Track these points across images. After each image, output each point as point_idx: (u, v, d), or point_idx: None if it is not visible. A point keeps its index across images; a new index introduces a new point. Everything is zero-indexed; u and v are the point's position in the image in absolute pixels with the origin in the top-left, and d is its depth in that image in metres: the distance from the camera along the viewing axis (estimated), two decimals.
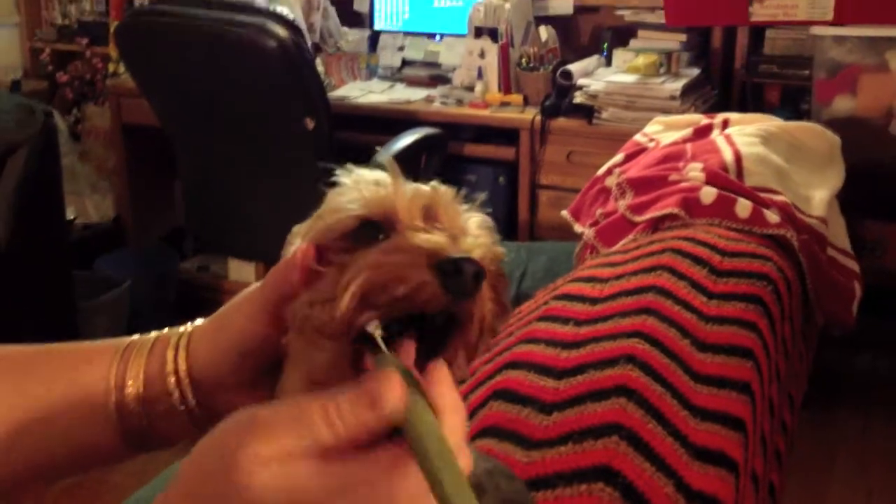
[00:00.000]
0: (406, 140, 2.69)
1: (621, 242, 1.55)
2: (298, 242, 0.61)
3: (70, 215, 3.32)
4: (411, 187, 0.57)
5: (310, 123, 2.52)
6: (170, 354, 0.62)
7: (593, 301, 1.22)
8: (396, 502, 0.46)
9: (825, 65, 2.61)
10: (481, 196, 0.60)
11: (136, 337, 0.65)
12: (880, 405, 2.76)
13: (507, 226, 3.04)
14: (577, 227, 1.82)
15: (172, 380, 0.62)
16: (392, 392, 0.46)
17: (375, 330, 0.50)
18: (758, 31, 2.94)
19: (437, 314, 0.51)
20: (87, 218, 3.53)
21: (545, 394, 0.99)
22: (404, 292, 0.49)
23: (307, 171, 2.54)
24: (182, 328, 0.64)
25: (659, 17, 2.95)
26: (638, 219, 1.57)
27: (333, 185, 0.59)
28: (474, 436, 0.96)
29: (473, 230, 0.57)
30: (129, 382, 0.62)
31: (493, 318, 0.54)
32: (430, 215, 0.55)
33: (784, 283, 1.38)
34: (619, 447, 0.89)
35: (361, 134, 3.00)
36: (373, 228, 0.54)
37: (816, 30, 2.59)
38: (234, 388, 0.61)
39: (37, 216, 2.46)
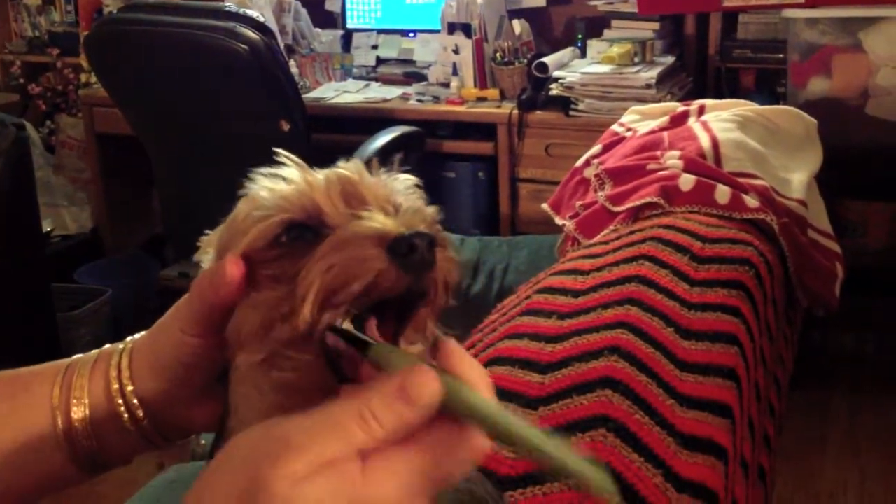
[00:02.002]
0: (383, 139, 2.68)
1: (602, 233, 1.54)
2: (211, 252, 0.59)
3: (47, 227, 3.29)
4: (322, 177, 0.55)
5: (285, 126, 2.50)
6: (112, 373, 0.60)
7: (576, 293, 1.21)
8: (448, 479, 0.45)
9: (799, 47, 2.61)
10: (397, 157, 0.59)
11: (76, 357, 0.63)
12: (868, 384, 2.77)
13: (489, 220, 3.04)
14: (558, 220, 1.81)
15: (118, 398, 0.60)
16: (426, 382, 0.44)
17: (344, 324, 0.49)
18: (731, 17, 2.94)
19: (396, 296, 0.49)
20: (65, 230, 3.50)
21: (530, 389, 0.98)
22: (364, 285, 0.48)
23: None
24: (122, 344, 0.63)
25: (632, 7, 2.95)
26: (617, 209, 1.56)
27: (244, 193, 0.57)
28: None
29: (401, 197, 0.55)
30: (74, 404, 0.60)
31: (450, 276, 0.52)
32: (351, 197, 0.54)
33: (766, 267, 1.37)
34: (605, 439, 0.88)
35: (338, 135, 2.98)
36: (299, 228, 0.53)
37: (789, 12, 2.59)
38: (183, 400, 0.60)
39: (12, 230, 2.43)
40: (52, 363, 0.63)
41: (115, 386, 0.60)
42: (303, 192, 0.54)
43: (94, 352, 0.63)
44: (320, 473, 0.42)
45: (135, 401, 0.60)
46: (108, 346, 0.63)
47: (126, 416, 0.60)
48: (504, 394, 0.99)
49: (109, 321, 2.99)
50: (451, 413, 0.45)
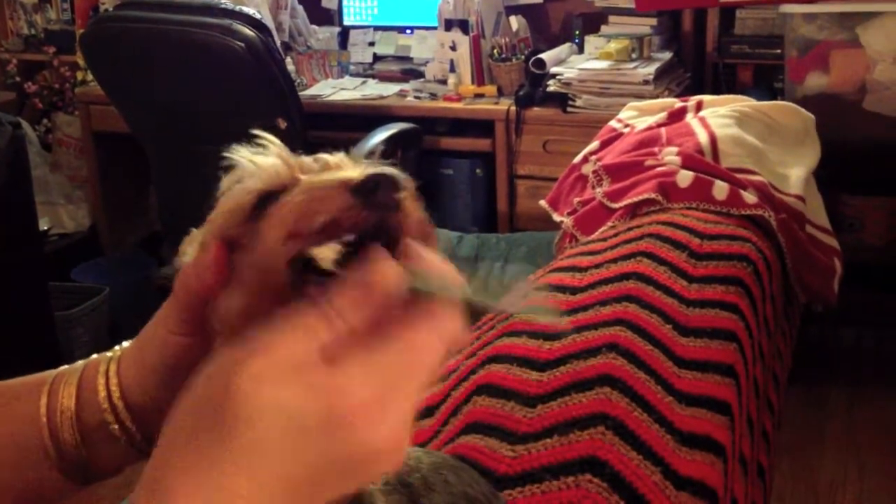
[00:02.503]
0: (380, 136, 2.67)
1: (600, 230, 1.54)
2: (194, 248, 0.58)
3: (44, 226, 3.28)
4: (300, 158, 0.55)
5: (282, 123, 2.50)
6: (100, 381, 0.59)
7: (574, 290, 1.21)
8: (423, 364, 0.44)
9: (796, 43, 2.61)
10: (379, 149, 0.58)
11: (63, 368, 0.62)
12: (867, 379, 2.77)
13: (487, 217, 3.03)
14: (556, 217, 1.81)
15: (107, 407, 0.59)
16: (385, 268, 0.44)
17: (328, 264, 0.47)
18: (728, 12, 2.93)
19: (372, 241, 0.48)
20: (62, 228, 3.49)
21: (529, 386, 0.98)
22: (328, 217, 0.47)
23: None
24: (110, 353, 0.62)
25: (629, 2, 2.95)
26: (615, 205, 1.56)
27: (227, 170, 0.56)
28: (459, 432, 0.95)
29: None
30: (62, 415, 0.59)
31: (423, 226, 0.51)
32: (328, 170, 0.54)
33: (764, 264, 1.37)
34: (604, 437, 0.88)
35: (335, 132, 2.97)
36: (274, 199, 0.51)
37: (786, 8, 2.59)
38: (171, 405, 0.60)
39: (9, 229, 2.42)
40: (41, 374, 0.62)
41: (103, 394, 0.59)
42: (278, 164, 0.54)
43: (82, 362, 0.62)
44: (283, 372, 0.41)
45: (123, 409, 0.59)
46: (95, 355, 0.63)
47: (115, 424, 0.59)
48: (503, 391, 0.99)
49: (107, 320, 2.99)
50: (414, 293, 0.44)
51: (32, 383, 0.61)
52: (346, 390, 0.42)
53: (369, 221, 0.48)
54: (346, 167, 0.54)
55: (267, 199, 0.52)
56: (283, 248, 0.48)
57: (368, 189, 0.47)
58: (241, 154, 0.56)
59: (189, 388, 0.44)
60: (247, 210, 0.52)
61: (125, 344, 0.62)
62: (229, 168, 0.56)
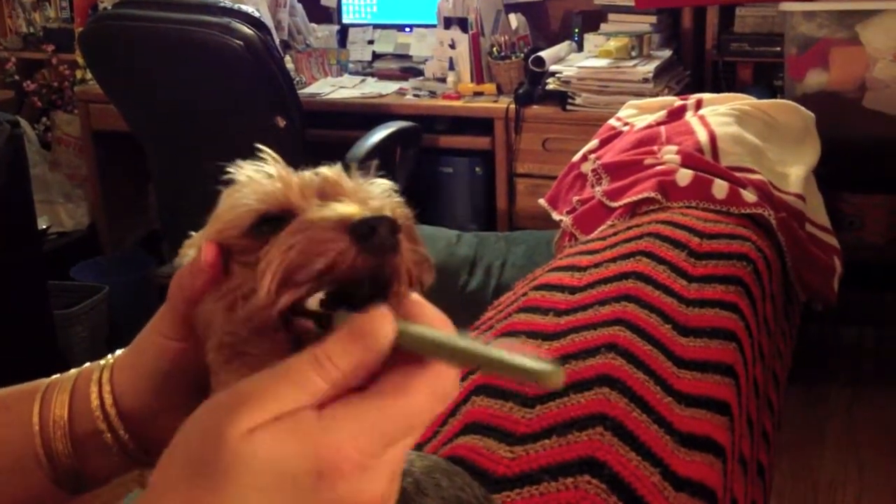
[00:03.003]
0: (379, 135, 2.67)
1: (599, 229, 1.53)
2: (192, 252, 0.58)
3: (43, 225, 3.28)
4: (301, 175, 0.55)
5: (281, 122, 2.49)
6: (93, 389, 0.59)
7: (573, 290, 1.20)
8: (415, 423, 0.44)
9: (796, 40, 2.60)
10: (374, 163, 0.59)
11: (56, 377, 0.62)
12: (867, 377, 2.77)
13: (486, 216, 3.03)
14: (555, 215, 1.81)
15: (99, 416, 0.58)
16: (379, 319, 0.44)
17: (314, 305, 0.48)
18: (728, 10, 2.93)
19: (363, 283, 0.49)
20: (62, 227, 3.49)
21: (527, 387, 0.97)
22: (325, 264, 0.47)
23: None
24: (103, 361, 0.62)
25: (628, 0, 2.94)
26: (614, 204, 1.55)
27: (228, 183, 0.56)
28: (457, 433, 0.95)
29: (377, 200, 0.55)
30: (54, 424, 0.58)
31: (417, 269, 0.52)
32: (327, 197, 0.54)
33: (763, 263, 1.37)
34: (603, 438, 0.88)
35: (334, 131, 2.97)
36: (272, 222, 0.52)
37: (786, 5, 2.58)
38: (166, 413, 0.58)
39: (7, 227, 2.42)
40: (33, 382, 0.61)
41: (96, 402, 0.59)
42: (279, 187, 0.54)
43: (75, 370, 0.62)
44: (275, 423, 0.41)
45: (116, 415, 0.59)
46: (88, 364, 0.62)
47: (107, 433, 0.59)
48: (501, 392, 0.98)
49: (106, 318, 2.99)
50: (408, 350, 0.44)
51: (24, 392, 0.60)
52: (338, 446, 0.42)
53: (366, 266, 0.48)
54: (344, 186, 0.55)
55: (265, 220, 0.52)
56: (278, 296, 0.48)
57: (366, 233, 0.48)
58: (242, 170, 0.56)
59: (180, 435, 0.44)
60: (244, 229, 0.53)
61: (119, 352, 0.62)
62: (229, 182, 0.56)
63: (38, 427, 0.58)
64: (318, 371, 0.43)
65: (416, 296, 0.49)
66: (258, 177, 0.55)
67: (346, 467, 0.41)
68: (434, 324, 0.47)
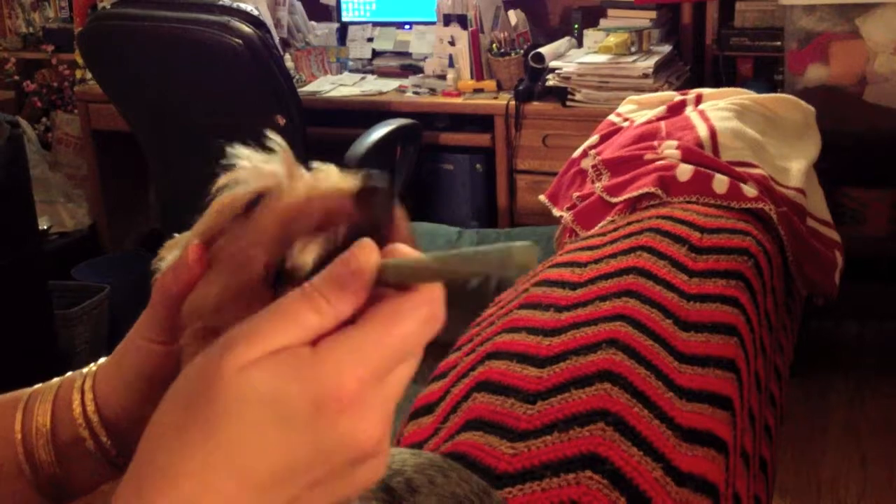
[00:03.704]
0: (380, 132, 2.67)
1: (599, 225, 1.53)
2: (175, 253, 0.57)
3: (44, 225, 3.28)
4: (300, 171, 0.55)
5: (281, 120, 2.49)
6: (76, 397, 0.59)
7: (573, 286, 1.20)
8: (407, 348, 0.44)
9: (796, 34, 2.60)
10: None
11: (39, 386, 0.61)
12: (869, 371, 2.77)
13: (487, 212, 3.03)
14: (556, 211, 1.81)
15: (82, 423, 0.58)
16: (364, 248, 0.44)
17: (308, 260, 0.48)
18: (728, 5, 2.92)
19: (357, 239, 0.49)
20: (63, 227, 3.49)
21: (528, 383, 0.97)
22: (323, 216, 0.48)
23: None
24: (86, 369, 0.61)
25: None
26: (615, 200, 1.55)
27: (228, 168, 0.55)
28: (458, 429, 0.95)
29: None
30: (37, 433, 0.58)
31: (412, 237, 0.52)
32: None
33: (764, 257, 1.37)
34: (605, 433, 0.88)
35: (334, 128, 2.97)
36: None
37: (786, 0, 2.58)
38: (148, 419, 0.59)
39: (8, 228, 2.42)
40: (15, 392, 0.61)
41: (78, 410, 0.58)
42: (281, 173, 0.53)
43: (57, 379, 0.61)
44: (269, 358, 0.41)
45: (99, 424, 0.58)
46: (70, 373, 0.62)
47: (90, 440, 0.58)
48: (502, 388, 0.98)
49: (107, 318, 2.99)
50: (395, 282, 0.45)
51: (6, 402, 0.60)
52: (333, 378, 0.41)
53: (362, 220, 0.48)
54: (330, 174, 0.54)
55: (257, 200, 0.52)
56: (267, 247, 0.48)
57: (365, 194, 0.48)
58: (243, 154, 0.55)
59: (179, 378, 0.43)
60: (238, 207, 0.52)
61: (101, 361, 0.61)
62: (228, 166, 0.56)
63: (21, 436, 0.58)
64: (309, 305, 0.42)
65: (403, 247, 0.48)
66: (257, 160, 0.54)
67: (345, 399, 0.41)
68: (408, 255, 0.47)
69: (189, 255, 0.53)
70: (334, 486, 0.43)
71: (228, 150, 0.55)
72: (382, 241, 0.48)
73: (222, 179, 0.55)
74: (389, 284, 0.45)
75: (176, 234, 0.60)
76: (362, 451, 0.42)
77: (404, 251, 0.47)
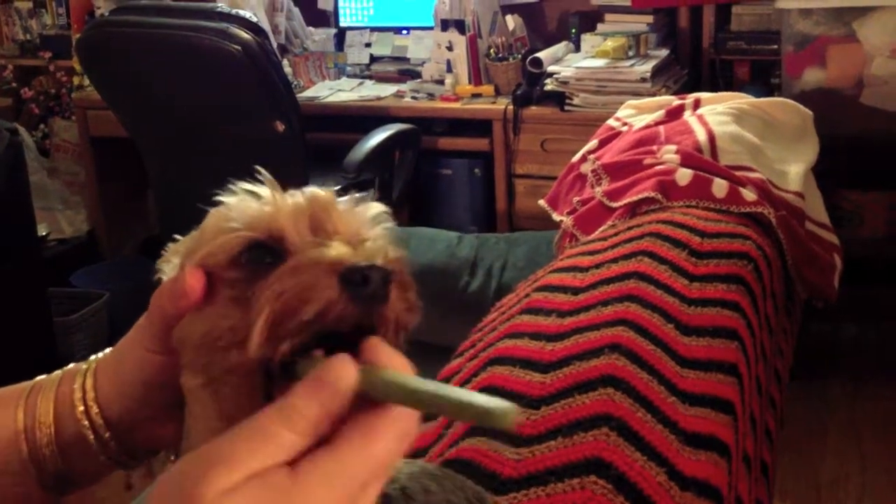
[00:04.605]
0: (378, 137, 2.67)
1: (600, 229, 1.54)
2: (175, 262, 0.59)
3: (43, 231, 3.28)
4: (293, 200, 0.55)
5: (280, 126, 2.49)
6: (77, 394, 0.60)
7: (575, 291, 1.21)
8: (382, 467, 0.44)
9: (793, 38, 2.61)
10: (371, 193, 0.59)
11: (39, 379, 0.62)
12: (867, 373, 2.77)
13: (485, 217, 3.03)
14: (556, 216, 1.81)
15: (84, 420, 0.59)
16: (341, 366, 0.45)
17: (286, 359, 0.49)
18: (724, 8, 2.94)
19: (347, 327, 0.49)
20: (61, 233, 3.49)
21: (532, 388, 0.98)
22: (314, 314, 0.48)
23: (280, 173, 2.52)
24: (85, 364, 0.62)
25: (625, 0, 2.95)
26: (615, 204, 1.56)
27: (216, 204, 0.56)
28: (462, 436, 0.95)
29: (368, 230, 0.55)
30: (39, 427, 0.59)
31: (404, 316, 0.52)
32: (318, 225, 0.53)
33: (764, 261, 1.37)
34: (608, 438, 0.88)
35: (333, 134, 2.98)
36: (261, 249, 0.52)
37: (782, 3, 2.59)
38: (149, 419, 0.59)
39: (7, 235, 2.42)
40: (17, 385, 0.62)
41: (81, 408, 0.59)
42: (270, 214, 0.53)
43: (58, 372, 0.62)
44: (247, 484, 0.41)
45: (100, 421, 0.59)
46: (71, 365, 0.63)
47: (92, 437, 0.59)
48: (505, 394, 0.98)
49: (106, 325, 2.98)
50: (372, 397, 0.45)
51: (8, 396, 0.61)
52: (316, 498, 0.42)
53: (354, 315, 0.48)
54: (335, 212, 0.55)
55: (254, 247, 0.52)
56: (268, 348, 0.49)
57: (358, 281, 0.48)
58: (234, 192, 0.56)
59: (154, 496, 0.44)
60: (233, 256, 0.53)
61: (100, 355, 0.62)
62: (217, 203, 0.56)
63: (23, 431, 0.59)
64: (287, 424, 0.43)
65: (375, 339, 0.49)
66: (248, 200, 0.55)
67: None
68: (395, 366, 0.47)
69: (188, 281, 0.53)
70: None
71: (220, 191, 0.56)
72: (374, 324, 0.49)
73: (212, 217, 0.56)
74: (367, 395, 0.45)
75: (178, 237, 0.61)
76: None
77: (384, 357, 0.47)
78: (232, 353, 0.50)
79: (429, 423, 1.05)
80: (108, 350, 0.63)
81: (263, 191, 0.56)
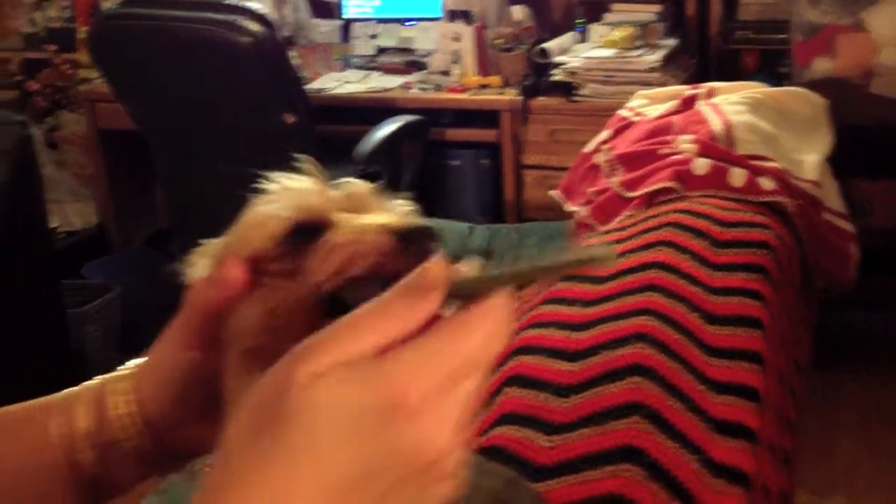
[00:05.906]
0: (386, 129, 2.67)
1: (617, 219, 1.54)
2: (202, 263, 0.59)
3: (52, 224, 3.28)
4: (334, 187, 0.57)
5: (289, 118, 2.50)
6: (120, 399, 0.60)
7: (597, 280, 1.21)
8: (473, 363, 0.44)
9: (802, 27, 2.61)
10: (404, 190, 0.61)
11: (70, 390, 0.62)
12: (880, 362, 2.78)
13: (494, 208, 3.04)
14: (569, 206, 1.82)
15: (124, 425, 0.59)
16: (434, 267, 0.45)
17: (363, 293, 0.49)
18: None
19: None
20: (71, 226, 3.50)
21: (560, 377, 0.99)
22: (374, 262, 0.50)
23: (290, 165, 2.52)
24: (121, 370, 0.62)
25: None
26: (631, 194, 1.56)
27: (259, 192, 0.58)
28: (492, 424, 0.96)
29: (403, 214, 0.58)
30: (79, 434, 0.59)
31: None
32: (357, 209, 0.56)
33: (783, 250, 1.38)
34: (640, 426, 0.89)
35: (340, 125, 2.98)
36: (304, 233, 0.54)
37: None
38: (189, 421, 0.59)
39: (20, 228, 2.43)
40: (56, 395, 0.62)
41: (123, 411, 0.59)
42: (313, 198, 0.56)
43: (98, 379, 0.62)
44: (338, 367, 0.42)
45: (139, 423, 0.59)
46: (105, 375, 0.63)
47: (131, 442, 0.59)
48: (534, 382, 0.99)
49: (119, 317, 2.99)
50: (464, 296, 0.45)
51: (48, 406, 0.61)
52: (400, 385, 0.42)
53: (408, 268, 0.49)
54: (370, 203, 0.57)
55: (300, 229, 0.54)
56: (327, 282, 0.51)
57: (410, 237, 0.51)
58: (277, 179, 0.57)
59: (250, 391, 0.44)
60: (278, 236, 0.54)
61: (137, 361, 0.62)
62: (260, 190, 0.58)
63: (62, 440, 0.59)
64: (381, 318, 0.43)
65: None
66: (292, 186, 0.57)
67: (410, 406, 0.42)
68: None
69: (232, 272, 0.54)
70: (403, 497, 0.43)
71: (263, 176, 0.57)
72: None
73: (257, 203, 0.57)
74: (458, 297, 0.46)
75: (204, 241, 0.61)
76: (427, 460, 0.43)
77: (464, 270, 0.48)
78: (296, 296, 0.52)
79: None
80: (144, 357, 0.63)
81: (301, 180, 0.57)
